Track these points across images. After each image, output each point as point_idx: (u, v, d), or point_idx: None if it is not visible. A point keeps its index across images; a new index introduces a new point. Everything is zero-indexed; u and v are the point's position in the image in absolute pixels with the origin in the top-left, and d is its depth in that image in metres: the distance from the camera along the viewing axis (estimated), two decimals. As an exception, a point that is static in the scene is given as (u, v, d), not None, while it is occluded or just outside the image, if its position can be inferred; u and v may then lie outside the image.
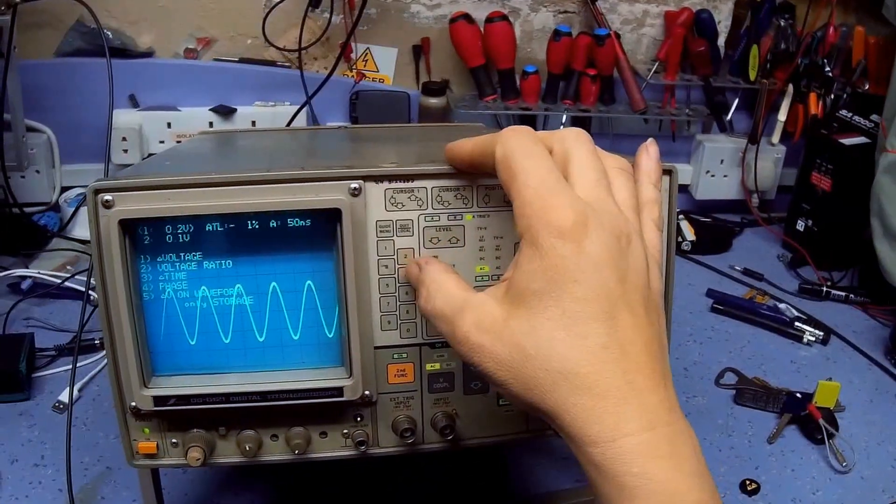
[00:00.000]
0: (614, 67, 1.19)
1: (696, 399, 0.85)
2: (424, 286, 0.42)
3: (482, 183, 0.48)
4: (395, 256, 0.48)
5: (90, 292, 0.79)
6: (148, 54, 1.16)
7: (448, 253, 0.49)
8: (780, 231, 1.25)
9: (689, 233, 1.20)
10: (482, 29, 1.15)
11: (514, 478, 0.73)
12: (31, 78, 1.07)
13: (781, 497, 0.72)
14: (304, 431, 0.51)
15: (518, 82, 1.19)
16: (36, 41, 1.11)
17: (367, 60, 1.22)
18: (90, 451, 0.72)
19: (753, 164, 1.24)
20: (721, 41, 1.24)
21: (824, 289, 1.08)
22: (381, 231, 0.48)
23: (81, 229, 1.09)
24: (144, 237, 0.47)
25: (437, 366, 0.51)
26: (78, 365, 0.73)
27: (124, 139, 1.12)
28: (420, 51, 1.22)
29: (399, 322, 0.50)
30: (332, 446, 0.52)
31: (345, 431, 0.52)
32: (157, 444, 0.51)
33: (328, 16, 1.16)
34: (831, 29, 1.17)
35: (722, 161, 1.27)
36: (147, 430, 0.51)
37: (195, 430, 0.51)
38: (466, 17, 1.13)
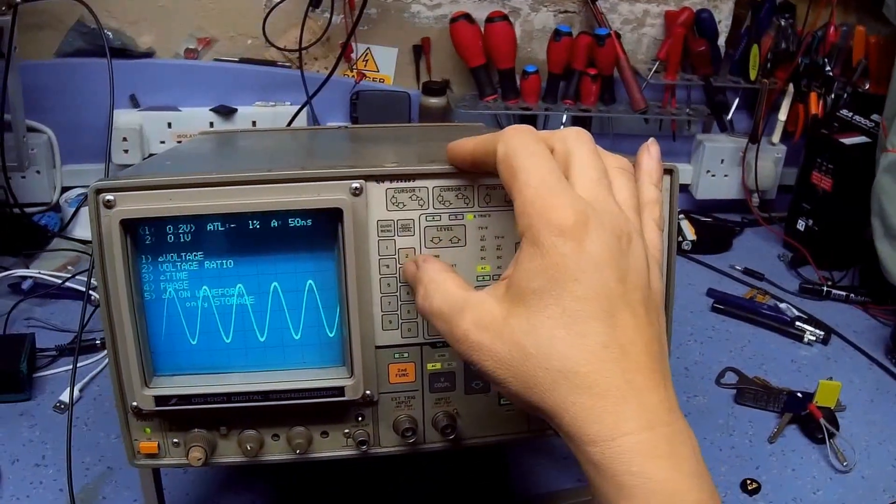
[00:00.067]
0: (615, 67, 1.19)
1: (696, 399, 0.85)
2: (422, 285, 0.42)
3: (483, 182, 0.48)
4: (396, 256, 0.48)
5: (91, 292, 0.79)
6: (148, 54, 1.16)
7: (449, 253, 0.49)
8: (780, 231, 1.25)
9: (689, 232, 1.20)
10: (482, 29, 1.15)
11: (515, 477, 0.73)
12: (32, 78, 1.07)
13: (782, 497, 0.72)
14: (305, 431, 0.51)
15: (518, 82, 1.19)
16: (36, 41, 1.11)
17: (367, 60, 1.22)
18: (91, 451, 0.72)
19: (754, 163, 1.24)
20: (721, 41, 1.24)
21: (825, 288, 1.08)
22: (382, 231, 0.48)
23: (82, 229, 1.09)
24: (146, 237, 0.47)
25: (439, 365, 0.51)
26: (79, 365, 0.73)
27: (125, 139, 1.12)
28: (420, 51, 1.22)
29: (400, 322, 0.50)
30: (333, 446, 0.52)
31: (346, 431, 0.52)
32: (159, 444, 0.51)
33: (328, 16, 1.16)
34: (832, 28, 1.17)
35: (722, 161, 1.27)
36: (148, 430, 0.51)
37: (196, 429, 0.51)
38: (467, 17, 1.13)
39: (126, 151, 1.13)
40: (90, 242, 1.04)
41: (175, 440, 0.51)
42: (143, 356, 0.48)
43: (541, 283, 0.36)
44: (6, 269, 0.96)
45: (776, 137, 1.26)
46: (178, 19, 1.15)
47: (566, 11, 1.22)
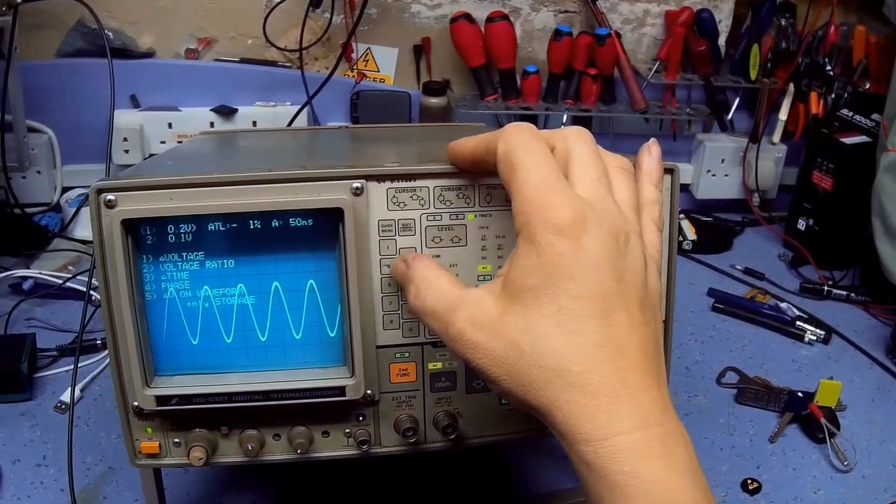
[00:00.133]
0: (615, 67, 1.19)
1: (697, 398, 0.85)
2: (413, 283, 0.42)
3: (484, 182, 0.48)
4: (397, 256, 0.48)
5: (92, 292, 0.79)
6: (149, 55, 1.16)
7: (450, 252, 0.49)
8: (781, 230, 1.25)
9: (689, 232, 1.20)
10: (483, 29, 1.15)
11: (516, 477, 0.73)
12: (32, 79, 1.07)
13: (783, 496, 0.72)
14: (306, 431, 0.51)
15: (519, 82, 1.19)
16: (37, 42, 1.11)
17: (367, 60, 1.22)
18: (92, 451, 0.72)
19: (754, 163, 1.24)
20: (722, 40, 1.24)
21: (825, 288, 1.08)
22: (383, 230, 0.48)
23: (82, 229, 1.09)
24: (147, 237, 0.47)
25: (439, 365, 0.51)
26: (79, 365, 0.73)
27: (125, 139, 1.12)
28: (421, 51, 1.22)
29: (401, 321, 0.50)
30: (334, 446, 0.52)
31: (347, 431, 0.52)
32: (160, 444, 0.51)
33: (329, 16, 1.16)
34: (832, 28, 1.18)
35: (723, 160, 1.27)
36: (149, 430, 0.51)
37: (197, 429, 0.51)
38: (467, 17, 1.13)
39: (127, 152, 1.13)
40: (91, 242, 1.05)
41: (176, 440, 0.51)
42: (144, 356, 0.48)
43: (537, 280, 0.36)
44: (7, 270, 0.96)
45: (777, 137, 1.26)
46: (179, 19, 1.15)
47: (566, 11, 1.22)
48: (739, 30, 1.24)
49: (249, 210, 0.46)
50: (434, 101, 1.17)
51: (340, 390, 0.49)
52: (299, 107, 1.15)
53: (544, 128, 0.41)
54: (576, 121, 1.21)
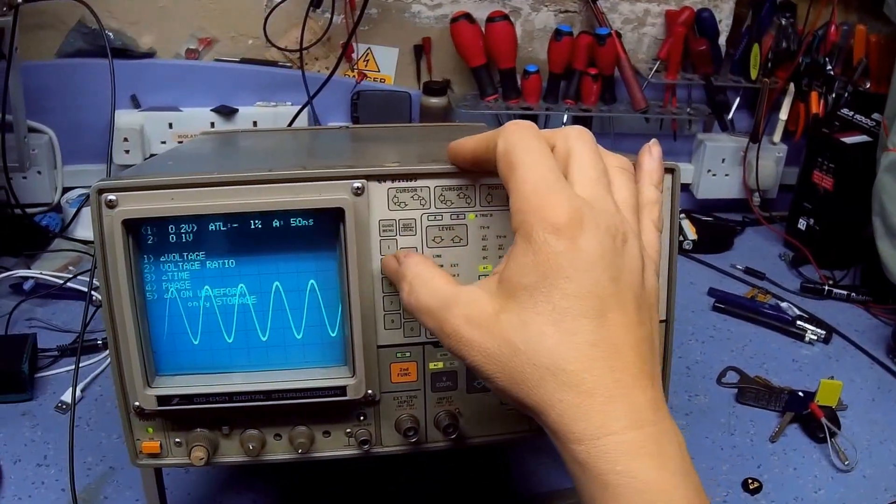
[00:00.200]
0: (615, 67, 1.19)
1: (698, 398, 0.85)
2: (406, 281, 0.42)
3: (485, 182, 0.48)
4: None
5: (92, 293, 0.79)
6: (149, 55, 1.16)
7: (451, 252, 0.49)
8: (781, 230, 1.25)
9: (690, 232, 1.20)
10: (483, 29, 1.15)
11: (517, 476, 0.73)
12: (33, 79, 1.07)
13: (784, 496, 0.72)
14: (307, 431, 0.51)
15: (519, 82, 1.19)
16: (37, 42, 1.12)
17: (368, 60, 1.22)
18: (93, 451, 0.72)
19: (755, 162, 1.24)
20: (722, 40, 1.24)
21: (826, 288, 1.08)
22: (384, 230, 0.48)
23: (83, 230, 1.09)
24: (148, 237, 0.47)
25: (441, 365, 0.51)
26: (80, 365, 0.73)
27: (126, 140, 1.12)
28: (421, 51, 1.22)
29: (402, 321, 0.50)
30: (335, 445, 0.52)
31: (348, 430, 0.52)
32: (161, 444, 0.51)
33: (329, 16, 1.16)
34: (832, 27, 1.17)
35: (723, 160, 1.27)
36: (151, 430, 0.51)
37: (198, 429, 0.51)
38: (467, 17, 1.13)
39: (127, 152, 1.13)
40: (91, 243, 1.05)
41: (177, 440, 0.51)
42: (145, 356, 0.48)
43: (532, 279, 0.36)
44: (7, 270, 0.96)
45: (777, 137, 1.26)
46: (179, 20, 1.15)
47: (567, 11, 1.22)
48: (740, 29, 1.24)
49: (250, 210, 0.46)
50: (434, 101, 1.17)
51: (341, 390, 0.49)
52: (300, 107, 1.15)
53: (545, 128, 0.41)
54: (576, 121, 1.21)
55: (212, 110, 1.16)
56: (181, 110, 1.16)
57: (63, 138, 1.14)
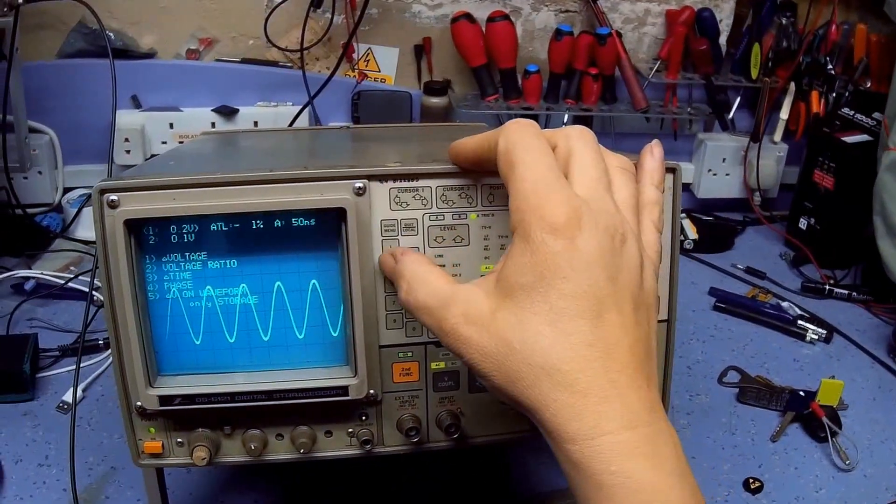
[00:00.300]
0: (616, 66, 1.19)
1: (699, 397, 0.85)
2: (404, 279, 0.42)
3: (486, 182, 0.48)
4: None
5: (93, 293, 0.79)
6: (150, 55, 1.16)
7: (453, 252, 0.49)
8: (782, 229, 1.25)
9: (691, 231, 1.20)
10: (484, 28, 1.15)
11: (517, 476, 0.73)
12: (34, 79, 1.07)
13: (785, 495, 0.72)
14: (309, 430, 0.51)
15: (520, 82, 1.19)
16: (38, 42, 1.12)
17: (368, 60, 1.22)
18: (94, 451, 0.72)
19: (755, 162, 1.24)
20: (723, 39, 1.24)
21: (827, 287, 1.08)
22: (385, 230, 0.48)
23: (84, 230, 1.09)
24: (149, 237, 0.47)
25: (442, 364, 0.51)
26: (82, 365, 0.73)
27: (127, 140, 1.12)
28: (422, 51, 1.22)
29: (404, 321, 0.50)
30: (337, 445, 0.52)
31: (350, 430, 0.52)
32: (163, 444, 0.51)
33: (330, 16, 1.16)
34: (833, 27, 1.17)
35: (724, 159, 1.27)
36: (152, 430, 0.51)
37: (200, 429, 0.51)
38: (468, 17, 1.13)
39: (128, 152, 1.13)
40: (92, 243, 1.05)
41: (179, 440, 0.51)
42: (147, 356, 0.48)
43: (530, 279, 0.36)
44: (8, 270, 0.97)
45: (778, 136, 1.26)
46: (180, 20, 1.15)
47: (567, 11, 1.22)
48: (740, 29, 1.24)
49: (252, 210, 0.46)
50: (435, 100, 1.17)
51: (343, 390, 0.49)
52: (301, 107, 1.15)
53: (545, 128, 0.41)
54: (577, 120, 1.21)
55: (212, 110, 1.16)
56: (182, 110, 1.16)
57: (64, 138, 1.14)
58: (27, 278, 0.96)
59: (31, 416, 0.77)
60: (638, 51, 1.25)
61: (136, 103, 1.16)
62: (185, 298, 0.48)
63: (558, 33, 1.15)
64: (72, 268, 1.01)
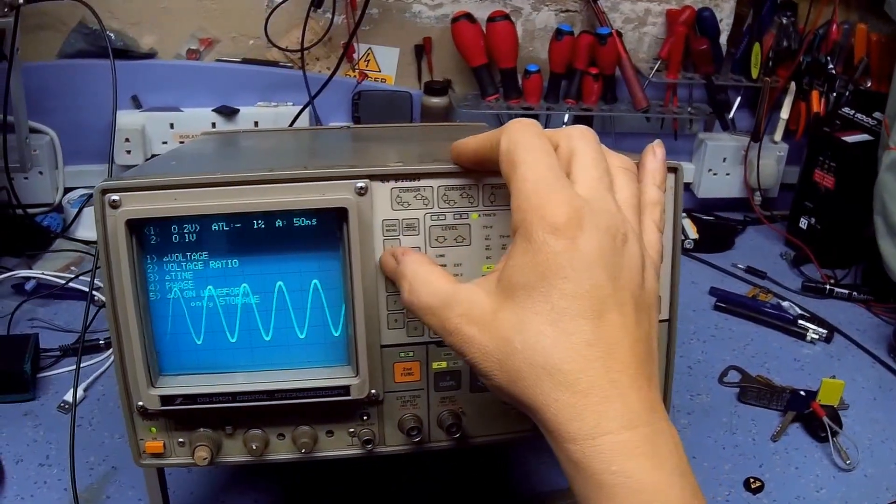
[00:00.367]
0: (616, 66, 1.19)
1: (699, 397, 0.85)
2: (406, 280, 0.42)
3: (488, 182, 0.48)
4: None
5: (94, 293, 0.79)
6: (150, 55, 1.16)
7: (454, 252, 0.49)
8: (782, 229, 1.25)
9: (691, 231, 1.20)
10: (484, 28, 1.15)
11: (518, 476, 0.73)
12: (34, 79, 1.07)
13: (785, 495, 0.72)
14: (310, 430, 0.51)
15: (520, 81, 1.19)
16: (38, 43, 1.11)
17: (369, 60, 1.22)
18: (95, 451, 0.72)
19: (756, 162, 1.24)
20: (723, 39, 1.24)
21: (827, 287, 1.08)
22: (387, 230, 0.48)
23: (84, 230, 1.09)
24: (151, 237, 0.47)
25: (444, 364, 0.51)
26: (82, 365, 0.73)
27: (127, 140, 1.12)
28: (422, 50, 1.22)
29: (406, 321, 0.50)
30: (338, 445, 0.52)
31: (351, 430, 0.52)
32: (164, 444, 0.51)
33: (330, 16, 1.16)
34: (833, 26, 1.18)
35: (724, 159, 1.27)
36: (154, 430, 0.51)
37: (202, 429, 0.51)
38: (468, 17, 1.13)
39: (129, 152, 1.13)
40: (93, 243, 1.05)
41: (181, 440, 0.51)
42: (148, 356, 0.48)
43: (531, 279, 0.36)
44: (9, 270, 0.97)
45: (778, 136, 1.26)
46: (180, 20, 1.15)
47: (567, 10, 1.22)
48: (741, 28, 1.24)
49: (254, 210, 0.46)
50: (435, 100, 1.17)
51: (345, 390, 0.49)
52: (301, 107, 1.15)
53: (546, 128, 0.41)
54: (577, 120, 1.21)
55: (213, 110, 1.16)
56: (182, 111, 1.16)
57: (64, 139, 1.14)
58: (28, 278, 0.96)
59: (31, 415, 0.77)
60: (638, 50, 1.25)
61: (137, 103, 1.16)
62: (186, 298, 0.48)
63: (559, 33, 1.15)
64: (72, 268, 1.01)
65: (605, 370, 0.35)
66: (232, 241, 0.48)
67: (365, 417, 0.52)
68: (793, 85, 1.21)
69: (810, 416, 0.80)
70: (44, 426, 0.75)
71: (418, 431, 0.51)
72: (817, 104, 1.19)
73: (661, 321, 0.51)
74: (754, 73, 1.21)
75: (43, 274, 0.96)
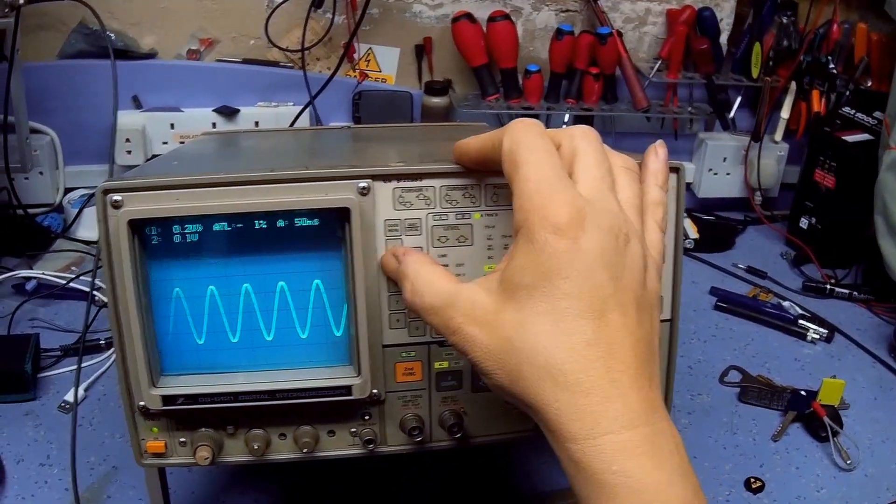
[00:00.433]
0: (617, 66, 1.19)
1: (700, 397, 0.85)
2: (408, 280, 0.42)
3: (490, 182, 0.48)
4: None
5: (95, 293, 0.79)
6: (151, 55, 1.16)
7: (456, 252, 0.49)
8: (783, 229, 1.25)
9: (692, 231, 1.20)
10: (484, 28, 1.15)
11: (519, 475, 0.73)
12: (35, 80, 1.07)
13: (786, 495, 0.72)
14: (312, 430, 0.51)
15: (521, 81, 1.19)
16: (39, 43, 1.11)
17: (369, 60, 1.22)
18: (96, 451, 0.72)
19: (756, 161, 1.24)
20: (723, 39, 1.24)
21: (828, 286, 1.08)
22: (389, 230, 0.48)
23: (85, 230, 1.09)
24: (153, 237, 0.47)
25: (445, 364, 0.51)
26: (83, 365, 0.73)
27: (128, 140, 1.12)
28: (422, 50, 1.22)
29: (408, 320, 0.50)
30: (339, 445, 0.52)
31: (353, 430, 0.52)
32: (166, 444, 0.51)
33: (331, 16, 1.16)
34: (834, 26, 1.17)
35: (725, 159, 1.27)
36: (155, 430, 0.51)
37: (203, 429, 0.51)
38: (469, 17, 1.13)
39: (129, 152, 1.13)
40: (93, 243, 1.05)
41: (182, 439, 0.51)
42: (150, 356, 0.48)
43: (533, 279, 0.36)
44: (10, 270, 0.97)
45: (779, 135, 1.26)
46: (181, 20, 1.15)
47: (568, 10, 1.22)
48: (741, 28, 1.24)
49: (256, 210, 0.46)
50: (436, 100, 1.17)
51: (346, 390, 0.49)
52: (302, 107, 1.15)
53: (547, 127, 0.41)
54: (578, 120, 1.21)
55: (213, 111, 1.16)
56: (183, 111, 1.16)
57: (65, 139, 1.14)
58: (28, 278, 0.96)
59: (32, 415, 0.77)
60: (639, 50, 1.25)
61: (137, 104, 1.16)
62: (188, 298, 0.48)
63: (559, 33, 1.15)
64: (73, 268, 1.01)
65: (605, 370, 0.35)
66: (234, 241, 0.48)
67: (366, 417, 0.52)
68: (793, 84, 1.21)
69: (811, 416, 0.80)
70: (44, 426, 0.75)
71: (420, 431, 0.51)
72: (818, 104, 1.19)
73: (662, 321, 0.52)
74: (755, 73, 1.21)
75: (43, 274, 0.96)
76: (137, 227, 0.46)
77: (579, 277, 0.35)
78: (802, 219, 1.20)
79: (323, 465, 0.69)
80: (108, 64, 0.93)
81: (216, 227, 0.47)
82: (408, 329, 0.50)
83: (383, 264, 0.48)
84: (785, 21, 1.19)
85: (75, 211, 1.10)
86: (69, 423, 0.69)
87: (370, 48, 1.21)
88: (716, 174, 1.28)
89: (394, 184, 0.48)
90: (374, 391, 0.50)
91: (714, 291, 1.05)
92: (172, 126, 1.15)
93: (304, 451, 0.51)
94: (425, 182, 0.48)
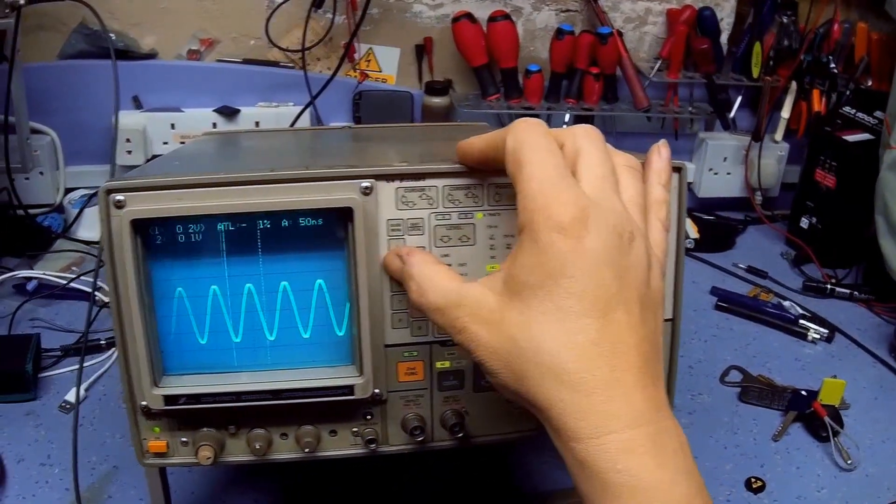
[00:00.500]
0: (617, 66, 1.19)
1: (701, 397, 0.85)
2: (413, 280, 0.42)
3: (493, 181, 0.48)
4: None
5: (96, 293, 0.79)
6: (151, 56, 1.16)
7: (459, 252, 0.49)
8: (783, 228, 1.25)
9: (692, 231, 1.20)
10: (485, 28, 1.15)
11: (520, 475, 0.73)
12: (35, 80, 1.07)
13: (787, 495, 0.72)
14: (313, 430, 0.51)
15: (521, 81, 1.19)
16: (39, 44, 1.11)
17: (369, 60, 1.22)
18: (97, 451, 0.72)
19: (757, 161, 1.25)
20: (724, 38, 1.24)
21: (828, 286, 1.08)
22: (391, 230, 0.48)
23: (86, 230, 1.09)
24: (155, 237, 0.47)
25: (447, 364, 0.51)
26: (84, 365, 0.73)
27: (128, 140, 1.12)
28: (423, 50, 1.22)
29: (410, 320, 0.50)
30: (341, 444, 0.52)
31: (354, 430, 0.52)
32: (168, 443, 0.51)
33: (331, 16, 1.16)
34: (834, 25, 1.18)
35: (725, 159, 1.27)
36: (157, 430, 0.51)
37: (205, 428, 0.51)
38: (469, 17, 1.13)
39: (129, 153, 1.12)
40: (94, 243, 1.05)
41: (184, 439, 0.51)
42: (152, 356, 0.48)
43: (537, 278, 0.36)
44: (10, 270, 0.97)
45: (779, 135, 1.26)
46: (181, 20, 1.15)
47: (568, 10, 1.22)
48: (741, 28, 1.24)
49: (259, 210, 0.46)
50: (436, 100, 1.17)
51: (349, 389, 0.49)
52: (302, 107, 1.15)
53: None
54: (578, 120, 1.21)
55: (214, 111, 1.16)
56: (183, 111, 1.16)
57: (65, 139, 1.14)
58: (29, 279, 0.96)
59: (33, 415, 0.77)
60: (639, 50, 1.25)
61: (138, 104, 1.16)
62: (190, 298, 0.48)
63: (559, 33, 1.15)
64: (73, 268, 1.01)
65: (610, 369, 0.35)
66: (236, 241, 0.48)
67: (368, 417, 0.52)
68: (794, 84, 1.21)
69: (811, 416, 0.80)
70: (45, 426, 0.75)
71: (421, 431, 0.51)
72: (818, 103, 1.19)
73: (665, 320, 0.51)
74: (755, 73, 1.21)
75: (44, 274, 0.96)
76: (140, 226, 0.46)
77: (583, 276, 0.35)
78: (803, 218, 1.20)
79: (324, 465, 0.69)
80: (108, 64, 0.93)
81: (219, 226, 0.47)
82: (410, 329, 0.50)
83: (386, 264, 0.48)
84: (785, 21, 1.19)
85: (76, 211, 1.10)
86: (70, 422, 0.69)
87: (370, 48, 1.21)
88: (716, 174, 1.28)
89: (396, 183, 0.48)
90: (376, 391, 0.50)
91: (714, 291, 1.05)
92: (173, 126, 1.15)
93: (306, 450, 0.51)
94: (428, 182, 0.48)
